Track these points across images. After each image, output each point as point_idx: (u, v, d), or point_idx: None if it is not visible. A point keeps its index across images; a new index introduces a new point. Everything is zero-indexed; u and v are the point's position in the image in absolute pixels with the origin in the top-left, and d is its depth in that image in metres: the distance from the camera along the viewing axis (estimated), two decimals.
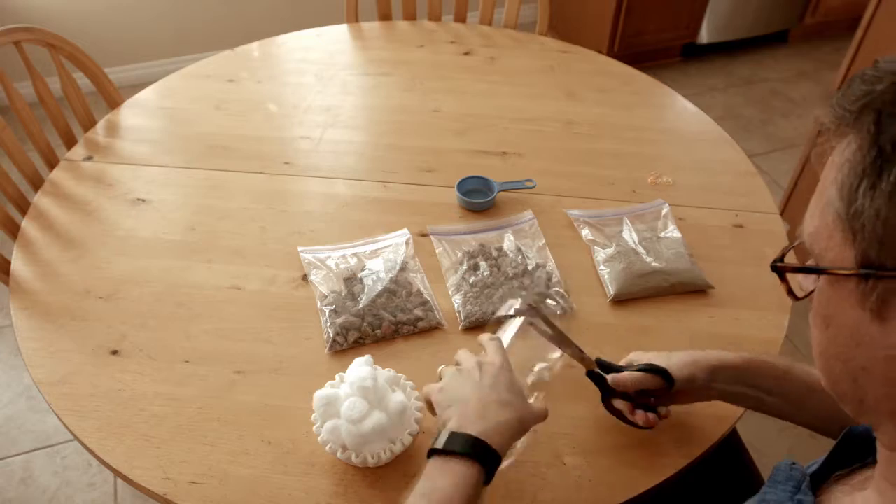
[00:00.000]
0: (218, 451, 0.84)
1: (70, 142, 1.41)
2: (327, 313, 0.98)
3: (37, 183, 1.31)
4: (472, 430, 0.66)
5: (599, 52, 1.69)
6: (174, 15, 2.78)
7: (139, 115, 1.43)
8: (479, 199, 1.19)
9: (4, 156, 1.31)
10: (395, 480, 0.81)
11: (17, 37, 1.33)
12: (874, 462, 0.51)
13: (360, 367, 0.82)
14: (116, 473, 0.83)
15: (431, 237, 1.13)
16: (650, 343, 0.96)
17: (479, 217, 1.18)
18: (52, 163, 1.37)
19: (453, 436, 0.66)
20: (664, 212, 1.17)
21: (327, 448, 0.79)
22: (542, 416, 0.73)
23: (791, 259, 0.52)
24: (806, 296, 0.49)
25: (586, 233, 1.13)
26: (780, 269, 0.51)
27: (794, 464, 0.60)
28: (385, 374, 0.84)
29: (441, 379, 0.76)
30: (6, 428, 1.73)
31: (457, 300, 1.02)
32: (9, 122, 1.31)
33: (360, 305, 0.99)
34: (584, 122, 1.41)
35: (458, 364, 0.76)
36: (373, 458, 0.78)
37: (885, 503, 0.48)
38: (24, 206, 1.24)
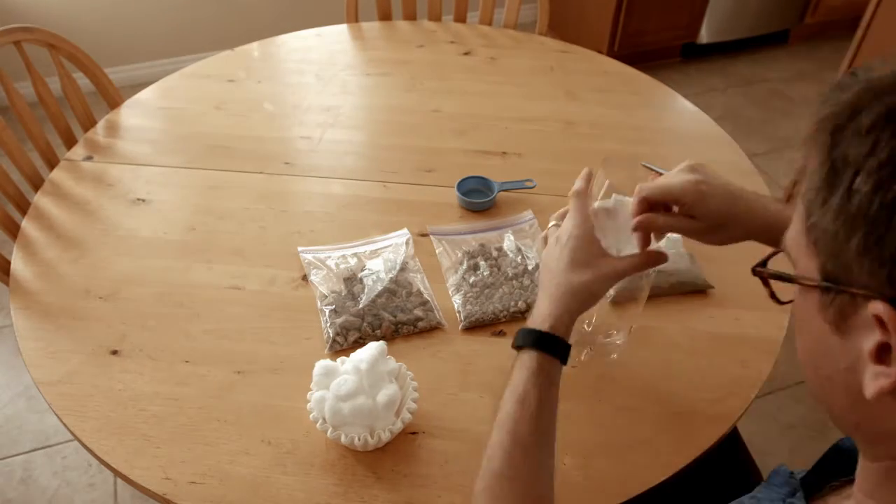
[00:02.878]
0: (218, 451, 0.84)
1: (70, 142, 1.41)
2: (327, 313, 0.98)
3: (37, 183, 1.31)
4: (542, 323, 0.70)
5: (599, 52, 1.69)
6: (174, 15, 2.78)
7: (139, 115, 1.43)
8: (479, 199, 1.18)
9: (4, 156, 1.31)
10: (396, 481, 0.81)
11: (17, 37, 1.33)
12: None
13: (369, 349, 0.84)
14: (116, 473, 0.83)
15: (431, 237, 1.13)
16: (650, 343, 0.96)
17: (479, 217, 1.18)
18: (52, 163, 1.37)
19: (524, 333, 0.71)
20: None
21: (311, 416, 0.82)
22: (622, 271, 0.75)
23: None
24: (789, 301, 0.50)
25: None
26: (758, 273, 0.51)
27: (793, 473, 0.60)
28: (390, 364, 0.85)
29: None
30: (6, 428, 1.73)
31: (457, 300, 1.02)
32: (9, 122, 1.31)
33: (360, 305, 0.99)
34: (584, 122, 1.41)
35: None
36: (346, 438, 0.80)
37: None
38: (24, 206, 1.24)
